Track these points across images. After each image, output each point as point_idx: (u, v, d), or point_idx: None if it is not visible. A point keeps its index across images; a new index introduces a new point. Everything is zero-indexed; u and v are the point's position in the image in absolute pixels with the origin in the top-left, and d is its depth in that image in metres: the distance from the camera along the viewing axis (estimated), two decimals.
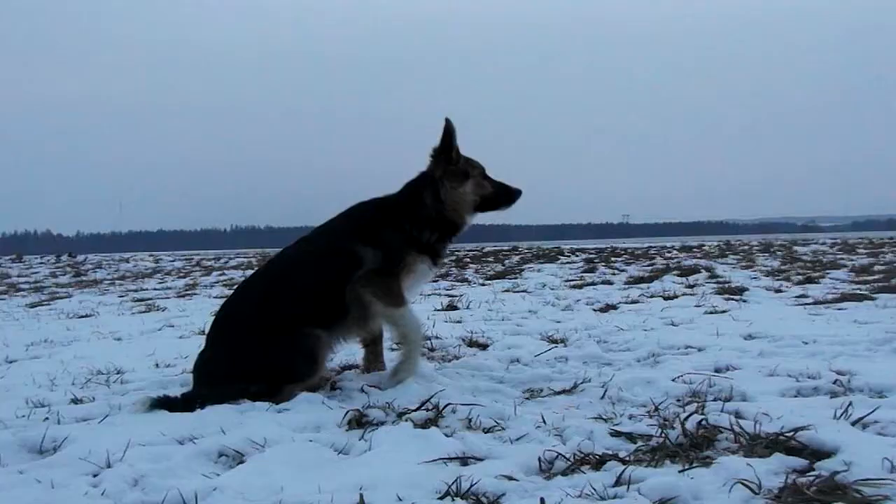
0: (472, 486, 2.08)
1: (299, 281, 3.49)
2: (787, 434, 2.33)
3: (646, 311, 6.55)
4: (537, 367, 3.94)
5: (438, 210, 3.64)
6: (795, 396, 3.15)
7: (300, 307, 3.40)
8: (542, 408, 3.07)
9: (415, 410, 2.93)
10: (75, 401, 3.45)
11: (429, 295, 8.97)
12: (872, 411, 2.61)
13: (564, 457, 2.32)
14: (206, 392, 3.19)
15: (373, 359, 3.88)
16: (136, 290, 12.58)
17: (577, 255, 19.00)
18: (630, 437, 2.57)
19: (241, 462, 2.43)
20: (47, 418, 3.09)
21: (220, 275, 16.75)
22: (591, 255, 18.70)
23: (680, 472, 2.14)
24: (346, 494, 2.07)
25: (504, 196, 3.82)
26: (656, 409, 2.94)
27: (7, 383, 4.04)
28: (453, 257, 20.53)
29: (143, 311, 8.49)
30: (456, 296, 8.79)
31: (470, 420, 2.83)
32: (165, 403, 3.09)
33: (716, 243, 26.87)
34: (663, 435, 2.48)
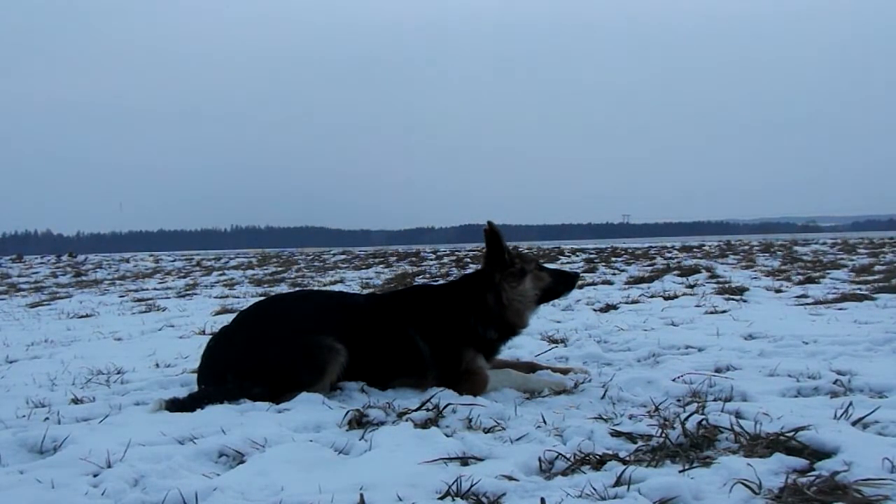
0: (472, 486, 2.08)
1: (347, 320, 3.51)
2: (787, 434, 2.33)
3: (646, 311, 6.55)
4: None
5: (500, 313, 3.59)
6: (796, 396, 3.15)
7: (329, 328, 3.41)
8: (543, 408, 3.07)
9: (415, 410, 2.93)
10: (75, 401, 3.45)
11: None
12: (872, 411, 2.62)
13: (565, 457, 2.32)
14: (211, 391, 3.20)
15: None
16: (136, 290, 12.58)
17: (577, 255, 19.00)
18: (630, 437, 2.56)
19: (241, 462, 2.43)
20: (47, 418, 3.09)
21: (221, 275, 16.75)
22: (592, 255, 18.70)
23: (680, 472, 2.14)
24: (346, 494, 2.07)
25: (563, 283, 3.79)
26: (657, 409, 2.94)
27: (7, 383, 4.03)
28: (454, 257, 20.53)
29: (144, 311, 8.48)
30: None
31: (470, 420, 2.83)
32: (175, 404, 3.09)
33: (716, 243, 26.88)
34: (664, 435, 2.48)
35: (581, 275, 3.75)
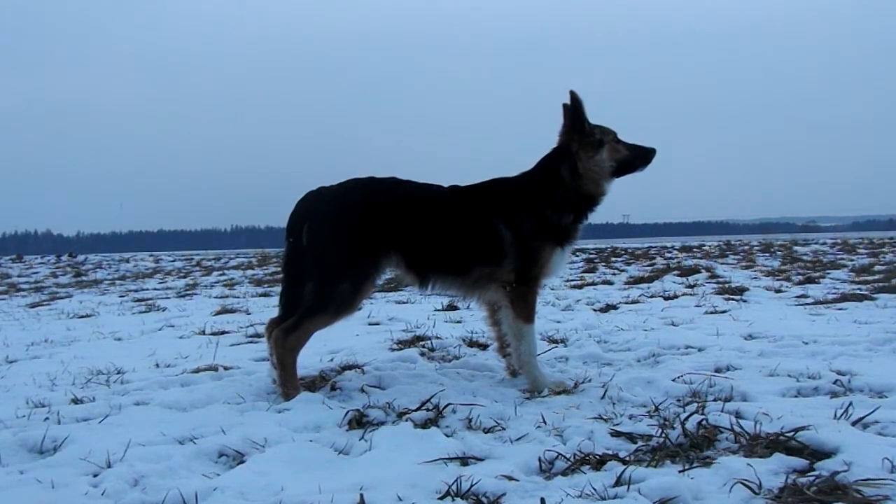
0: (472, 486, 2.08)
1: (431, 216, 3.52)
2: (787, 434, 2.33)
3: (646, 311, 6.55)
4: None
5: (577, 185, 3.58)
6: (796, 396, 3.15)
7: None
8: (543, 408, 3.07)
9: (415, 410, 2.93)
10: (75, 401, 3.45)
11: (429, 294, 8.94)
12: (872, 411, 2.62)
13: (564, 457, 2.32)
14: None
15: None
16: (136, 290, 12.58)
17: (577, 255, 19.00)
18: (630, 437, 2.57)
19: (241, 462, 2.43)
20: (47, 418, 3.09)
21: (221, 275, 16.75)
22: (592, 255, 18.71)
23: (680, 472, 2.15)
24: (346, 494, 2.07)
25: (640, 157, 3.70)
26: (656, 409, 2.94)
27: (7, 383, 4.03)
28: None
29: (144, 311, 8.48)
30: None
31: (470, 420, 2.83)
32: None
33: (716, 243, 26.88)
34: (663, 435, 2.48)
35: (656, 151, 3.67)
